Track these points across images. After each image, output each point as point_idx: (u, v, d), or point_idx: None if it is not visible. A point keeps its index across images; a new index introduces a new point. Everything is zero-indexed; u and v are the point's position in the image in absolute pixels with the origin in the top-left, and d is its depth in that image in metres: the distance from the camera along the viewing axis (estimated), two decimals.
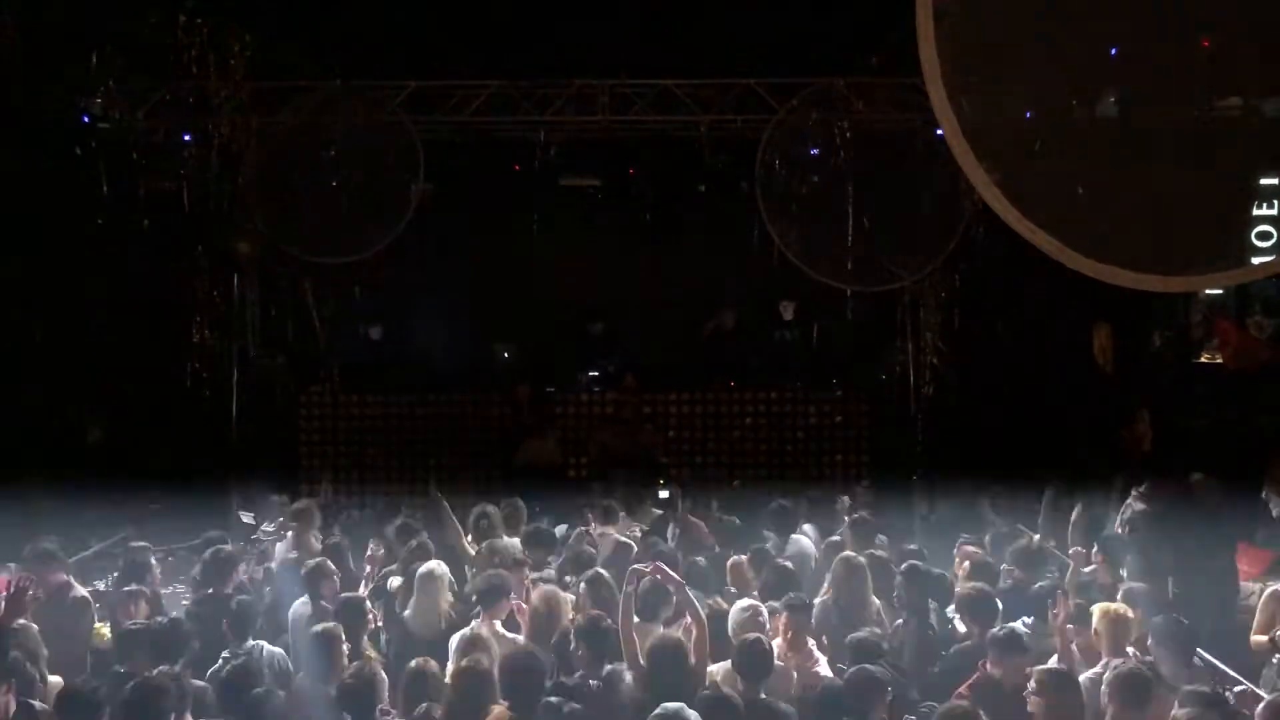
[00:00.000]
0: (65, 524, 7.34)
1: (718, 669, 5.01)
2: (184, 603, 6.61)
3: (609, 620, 5.11)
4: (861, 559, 6.25)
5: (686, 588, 5.25)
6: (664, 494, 8.71)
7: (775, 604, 5.60)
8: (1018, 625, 5.39)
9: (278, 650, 5.61)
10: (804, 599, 5.65)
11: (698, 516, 7.69)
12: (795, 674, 5.23)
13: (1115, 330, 10.97)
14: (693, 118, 10.75)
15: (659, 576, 5.23)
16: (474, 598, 5.86)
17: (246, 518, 8.25)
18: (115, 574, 6.98)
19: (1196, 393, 10.91)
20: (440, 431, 11.06)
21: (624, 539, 7.31)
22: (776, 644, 5.22)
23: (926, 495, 10.06)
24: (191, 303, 10.50)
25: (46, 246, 9.77)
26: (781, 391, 11.15)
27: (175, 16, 9.05)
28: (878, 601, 6.13)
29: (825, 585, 6.28)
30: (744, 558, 6.64)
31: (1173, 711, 4.40)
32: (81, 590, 6.28)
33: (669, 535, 7.51)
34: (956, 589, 6.04)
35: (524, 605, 5.77)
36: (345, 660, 5.15)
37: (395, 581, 6.45)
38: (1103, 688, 4.65)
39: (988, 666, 4.99)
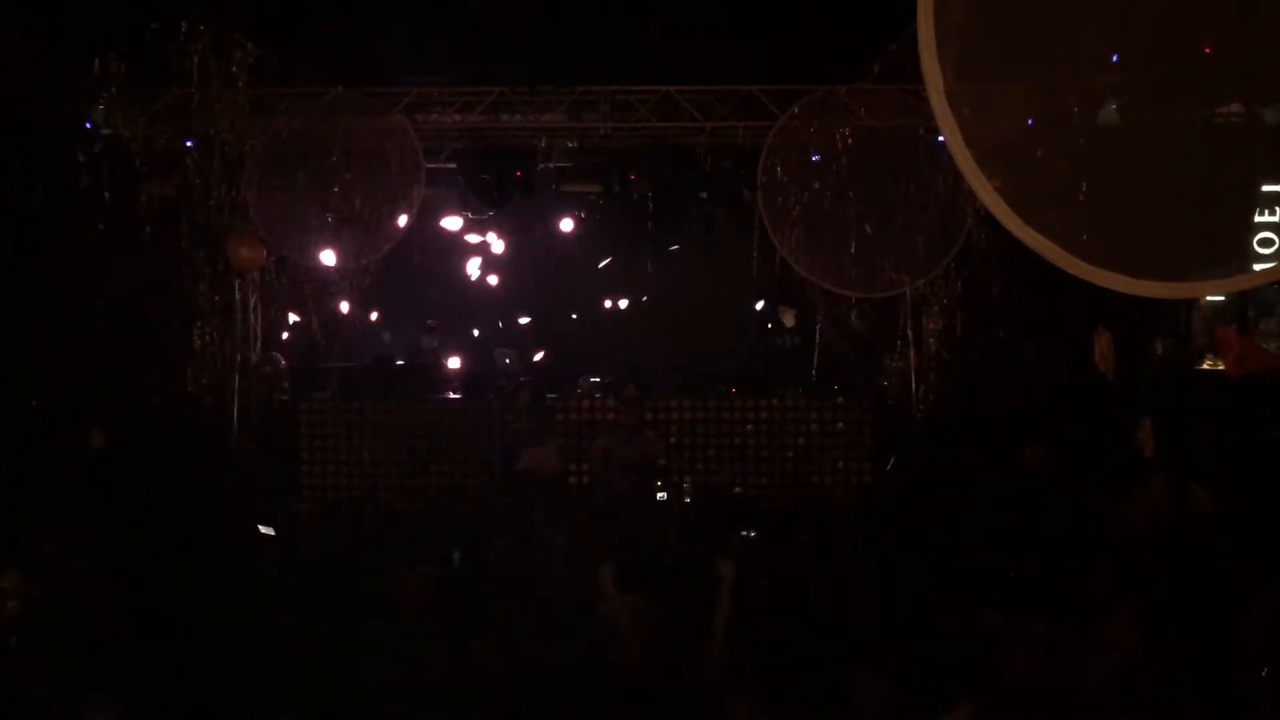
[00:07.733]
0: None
1: None
2: None
3: None
4: None
5: None
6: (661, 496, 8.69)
7: None
8: None
9: None
10: None
11: None
12: None
13: (1116, 337, 10.94)
14: (694, 124, 10.77)
15: None
16: None
17: (265, 530, 8.12)
18: None
19: (1198, 400, 10.87)
20: (440, 437, 11.02)
21: None
22: None
23: None
24: (192, 309, 10.49)
25: (48, 253, 9.77)
26: (783, 398, 11.14)
27: (177, 23, 9.06)
28: None
29: None
30: None
31: None
32: None
33: None
34: None
35: None
36: None
37: None
38: None
39: None
